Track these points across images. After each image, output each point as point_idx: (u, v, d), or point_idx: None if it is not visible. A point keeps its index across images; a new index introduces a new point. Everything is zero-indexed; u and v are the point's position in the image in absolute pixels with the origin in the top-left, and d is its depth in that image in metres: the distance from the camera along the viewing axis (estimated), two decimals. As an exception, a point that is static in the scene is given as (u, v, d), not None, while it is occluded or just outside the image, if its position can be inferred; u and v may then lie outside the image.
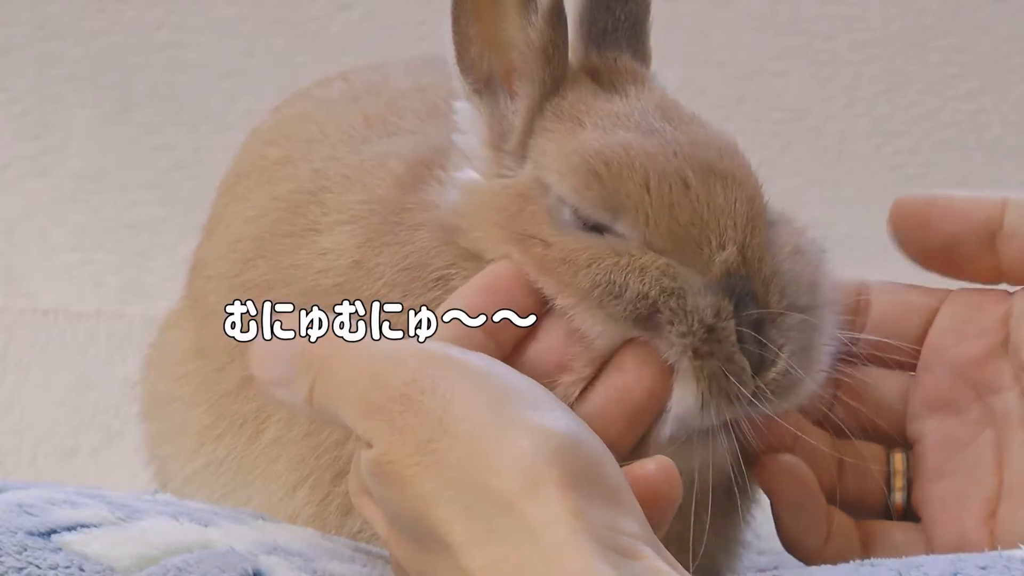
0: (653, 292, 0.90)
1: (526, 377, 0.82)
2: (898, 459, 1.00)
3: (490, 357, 0.83)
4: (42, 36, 1.91)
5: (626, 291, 0.90)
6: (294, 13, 1.94)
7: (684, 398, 0.90)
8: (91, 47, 1.91)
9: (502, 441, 0.77)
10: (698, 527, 0.92)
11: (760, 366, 0.90)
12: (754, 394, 0.90)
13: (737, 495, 1.00)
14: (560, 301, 0.91)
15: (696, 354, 0.89)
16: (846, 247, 1.95)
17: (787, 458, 0.97)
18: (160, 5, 1.92)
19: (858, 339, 0.99)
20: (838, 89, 1.99)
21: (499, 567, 0.74)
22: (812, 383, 0.94)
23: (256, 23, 1.93)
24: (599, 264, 0.91)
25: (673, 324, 0.90)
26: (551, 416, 0.78)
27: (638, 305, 0.90)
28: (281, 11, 1.94)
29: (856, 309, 1.00)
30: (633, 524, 0.76)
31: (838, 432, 1.00)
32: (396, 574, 0.87)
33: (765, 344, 0.90)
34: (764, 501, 1.05)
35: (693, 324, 0.89)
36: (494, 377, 0.81)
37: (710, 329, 0.89)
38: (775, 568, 0.98)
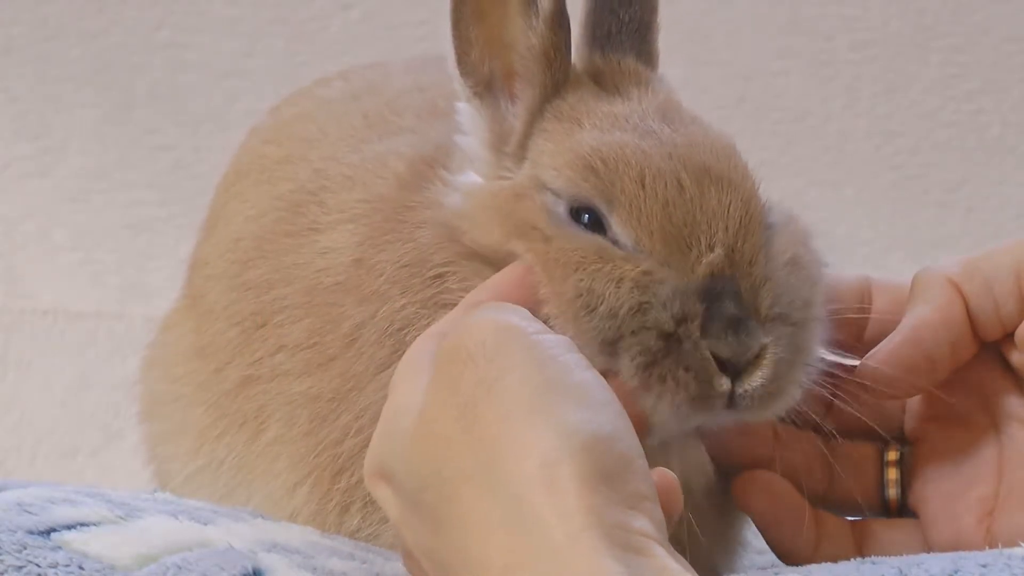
0: (623, 310, 0.90)
1: (592, 371, 0.82)
2: (892, 454, 1.00)
3: (567, 343, 0.83)
4: (42, 36, 1.91)
5: (601, 304, 0.90)
6: (294, 13, 1.94)
7: (657, 409, 0.90)
8: (91, 47, 1.91)
9: (532, 429, 0.77)
10: (692, 529, 0.92)
11: (738, 362, 0.90)
12: (731, 400, 0.91)
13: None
14: (546, 310, 0.92)
15: (651, 364, 0.90)
16: (846, 247, 1.96)
17: (761, 475, 0.97)
18: (160, 5, 1.92)
19: (860, 338, 0.99)
20: (838, 89, 1.99)
21: (510, 555, 0.75)
22: (791, 397, 0.93)
23: (256, 23, 1.93)
24: (585, 268, 0.91)
25: (629, 352, 0.90)
26: (589, 414, 0.78)
27: (608, 324, 0.90)
28: (281, 11, 1.94)
29: (859, 308, 1.00)
30: (648, 524, 0.76)
31: (835, 430, 0.99)
32: (405, 562, 0.87)
33: (744, 340, 0.90)
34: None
35: (650, 341, 0.90)
36: (557, 364, 0.81)
37: (669, 337, 0.90)
38: (774, 566, 0.98)
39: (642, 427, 0.89)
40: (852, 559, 0.90)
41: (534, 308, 0.91)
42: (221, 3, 1.93)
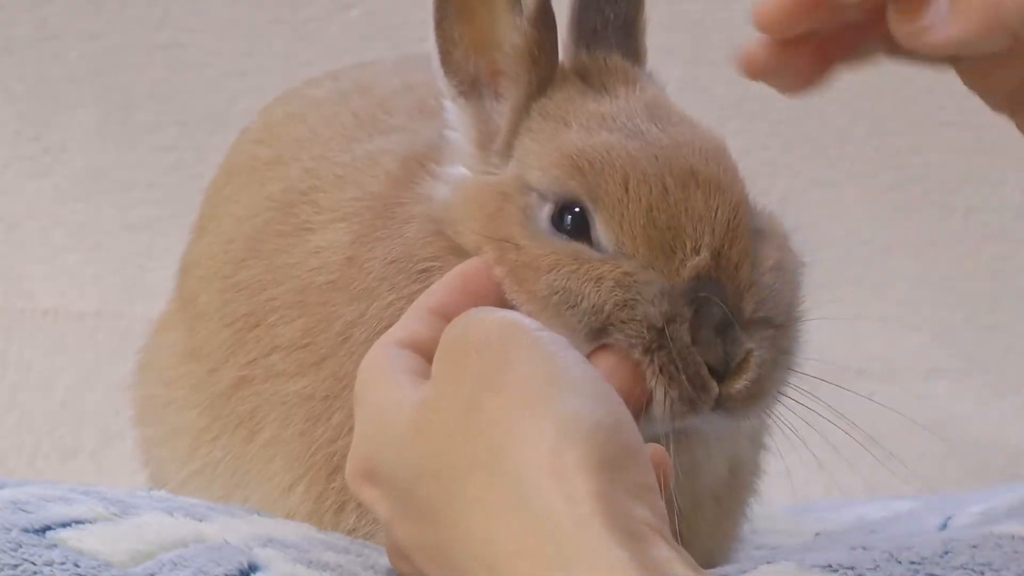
0: (608, 306, 0.91)
1: (589, 367, 0.83)
2: None
3: (564, 341, 0.84)
4: (42, 36, 1.91)
5: (582, 301, 0.91)
6: (294, 13, 1.93)
7: (657, 389, 0.91)
8: (91, 47, 1.91)
9: (539, 418, 0.78)
10: (695, 524, 0.93)
11: (725, 368, 0.91)
12: (719, 400, 0.91)
13: (737, 492, 1.01)
14: (524, 309, 0.92)
15: (646, 350, 0.90)
16: (846, 247, 1.95)
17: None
18: (160, 5, 1.92)
19: None
20: (838, 89, 1.98)
21: (519, 541, 0.76)
22: (774, 398, 0.94)
23: (256, 23, 1.93)
24: (558, 270, 0.92)
25: (623, 333, 0.90)
26: (592, 405, 0.79)
27: (593, 318, 0.91)
28: (281, 11, 1.93)
29: None
30: (650, 514, 0.77)
31: None
32: (393, 561, 0.88)
33: (730, 346, 0.91)
34: (763, 496, 1.06)
35: (642, 331, 0.90)
36: (557, 359, 0.82)
37: (660, 332, 0.90)
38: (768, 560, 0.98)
39: (641, 408, 0.90)
40: (844, 545, 0.90)
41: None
42: (221, 3, 1.93)
